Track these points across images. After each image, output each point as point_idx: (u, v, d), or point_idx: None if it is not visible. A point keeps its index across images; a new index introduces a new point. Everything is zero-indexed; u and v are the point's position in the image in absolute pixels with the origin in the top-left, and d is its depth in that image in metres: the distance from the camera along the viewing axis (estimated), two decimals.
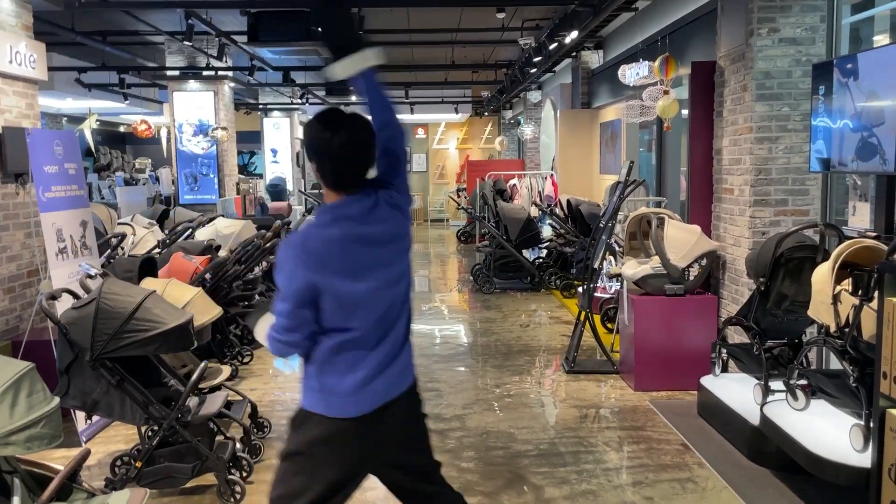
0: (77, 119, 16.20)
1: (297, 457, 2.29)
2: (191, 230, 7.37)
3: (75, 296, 3.78)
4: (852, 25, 5.06)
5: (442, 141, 21.99)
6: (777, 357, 4.28)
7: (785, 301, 4.20)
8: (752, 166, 5.01)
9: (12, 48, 5.11)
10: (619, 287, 6.14)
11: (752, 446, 4.03)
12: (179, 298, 4.28)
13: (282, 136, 17.88)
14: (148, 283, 4.46)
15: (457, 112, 18.94)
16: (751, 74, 4.98)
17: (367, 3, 7.76)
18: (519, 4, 8.37)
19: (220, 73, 11.27)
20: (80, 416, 4.39)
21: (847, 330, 3.33)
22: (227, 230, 7.48)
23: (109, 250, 6.01)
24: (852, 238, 3.63)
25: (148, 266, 4.93)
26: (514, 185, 13.03)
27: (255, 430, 4.39)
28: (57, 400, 2.39)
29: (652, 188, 8.48)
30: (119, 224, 7.18)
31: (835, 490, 3.45)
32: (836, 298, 3.39)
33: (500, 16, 9.00)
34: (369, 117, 2.37)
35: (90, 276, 4.16)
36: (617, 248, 6.56)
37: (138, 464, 3.53)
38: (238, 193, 12.14)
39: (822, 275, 3.53)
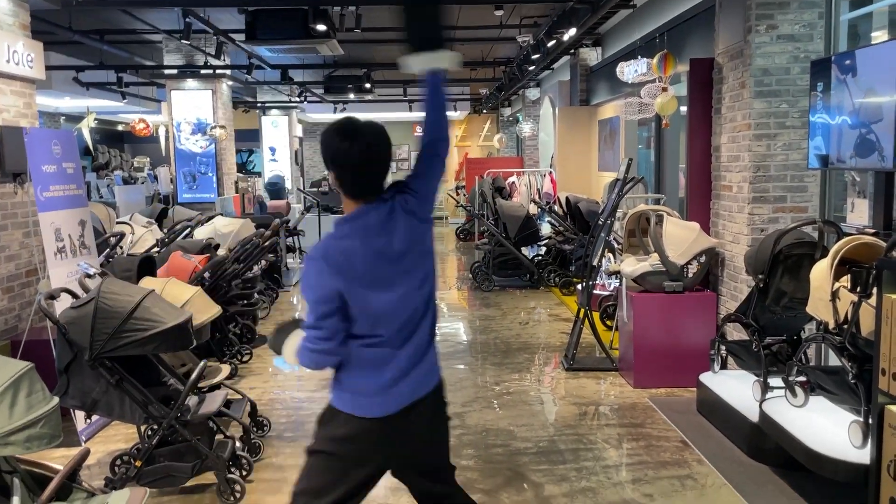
0: (75, 118, 16.18)
1: (325, 455, 2.33)
2: (189, 229, 7.37)
3: (74, 295, 3.78)
4: (850, 22, 5.05)
5: None
6: (776, 354, 4.29)
7: (784, 298, 4.20)
8: (751, 163, 5.01)
9: (10, 47, 5.11)
10: (618, 284, 6.14)
11: (751, 443, 4.04)
12: (178, 297, 4.28)
13: (280, 135, 17.87)
14: (147, 283, 4.46)
15: (455, 110, 18.94)
16: (749, 71, 4.98)
17: (364, 1, 7.74)
18: (517, 2, 8.35)
19: (218, 71, 11.26)
20: (79, 415, 4.39)
21: (846, 326, 3.33)
22: (225, 229, 7.48)
23: (108, 249, 6.01)
24: (851, 235, 3.64)
25: (147, 265, 4.93)
26: (513, 182, 13.04)
27: (254, 429, 4.39)
28: (56, 400, 2.39)
29: (651, 185, 8.48)
30: (118, 223, 7.17)
31: (834, 486, 3.46)
32: (834, 295, 3.39)
33: (499, 13, 8.99)
34: (425, 119, 2.39)
35: (89, 276, 4.16)
36: (616, 246, 6.56)
37: (138, 463, 3.53)
38: (237, 192, 12.14)
39: (820, 271, 3.53)
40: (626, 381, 5.50)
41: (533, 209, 10.46)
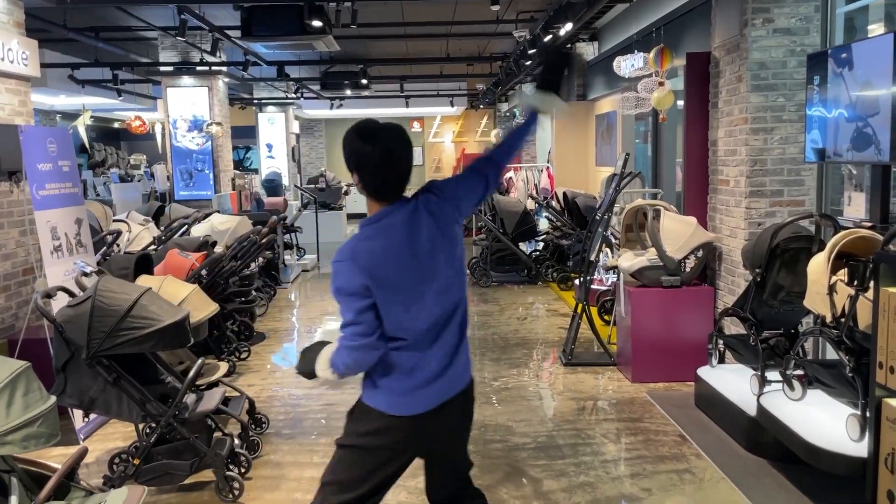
0: (71, 116, 16.14)
1: (355, 449, 2.36)
2: (186, 226, 7.36)
3: (71, 294, 3.77)
4: (847, 15, 5.05)
5: (438, 134, 21.96)
6: (773, 347, 4.29)
7: (781, 292, 4.21)
8: (748, 157, 5.01)
9: (4, 45, 5.08)
10: (615, 279, 6.15)
11: (749, 437, 4.05)
12: (175, 295, 4.27)
13: (277, 131, 17.83)
14: (144, 281, 4.45)
15: (452, 105, 18.90)
16: (746, 65, 4.97)
17: None
18: None
19: (213, 68, 11.23)
20: (77, 414, 4.39)
21: (843, 320, 3.34)
22: (222, 226, 7.48)
23: (105, 247, 6.00)
24: (848, 228, 3.64)
25: (143, 263, 4.91)
26: (511, 178, 13.02)
27: (253, 427, 4.39)
28: (53, 399, 2.38)
29: (648, 180, 8.48)
30: (114, 221, 7.16)
31: (831, 479, 3.47)
32: (831, 289, 3.40)
33: (495, 8, 8.96)
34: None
35: (85, 274, 4.15)
36: (613, 241, 6.56)
37: (136, 461, 3.53)
38: (233, 189, 12.11)
39: (817, 265, 3.54)
40: (625, 376, 5.51)
41: (530, 204, 10.46)
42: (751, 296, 4.35)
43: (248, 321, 6.61)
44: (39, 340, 4.58)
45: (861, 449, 3.16)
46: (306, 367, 2.42)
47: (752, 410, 3.98)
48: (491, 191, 2.52)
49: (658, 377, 5.32)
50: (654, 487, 3.71)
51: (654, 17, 7.56)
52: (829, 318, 3.44)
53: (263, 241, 6.87)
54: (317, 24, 7.04)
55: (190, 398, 3.67)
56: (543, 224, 10.67)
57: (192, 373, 3.58)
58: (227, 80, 12.28)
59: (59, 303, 3.82)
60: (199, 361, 3.68)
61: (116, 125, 20.01)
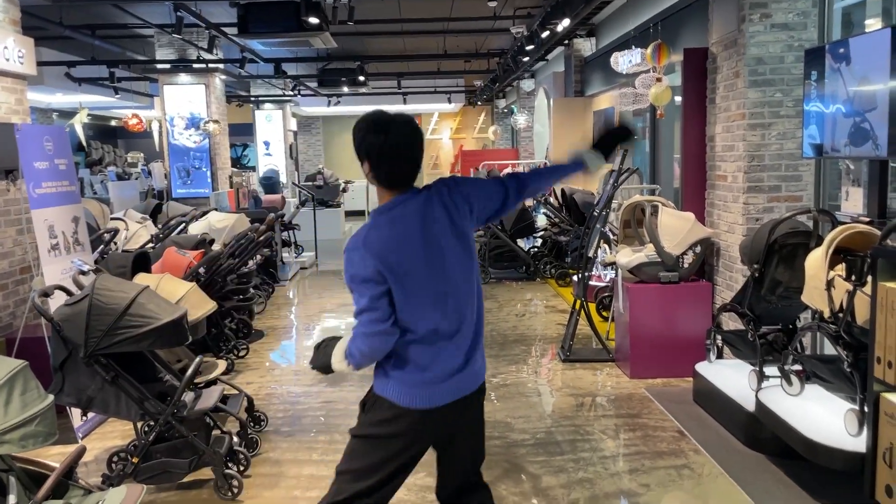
0: (67, 114, 16.10)
1: (368, 440, 2.38)
2: (184, 224, 7.35)
3: (68, 292, 3.76)
4: (844, 10, 5.05)
5: (435, 131, 21.94)
6: (772, 343, 4.30)
7: (779, 287, 4.21)
8: (746, 153, 5.01)
9: (0, 43, 5.07)
10: (613, 275, 6.15)
11: (747, 432, 4.05)
12: (173, 293, 4.26)
13: (274, 129, 17.81)
14: (141, 279, 4.44)
15: (450, 102, 18.88)
16: (743, 60, 4.97)
17: None
18: None
19: (210, 65, 11.21)
20: (75, 412, 4.38)
21: (841, 315, 3.34)
22: (220, 224, 7.46)
23: (102, 246, 5.99)
24: (845, 223, 3.64)
25: (141, 261, 4.91)
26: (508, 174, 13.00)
27: (251, 424, 4.38)
28: (51, 398, 2.38)
29: (645, 176, 8.48)
30: (111, 219, 7.14)
31: (830, 474, 3.48)
32: (829, 284, 3.40)
33: (492, 4, 8.96)
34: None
35: (83, 273, 4.14)
36: (611, 237, 6.56)
37: (135, 459, 3.52)
38: (231, 187, 12.10)
39: (815, 260, 3.54)
40: (623, 372, 5.51)
41: (528, 201, 10.45)
42: (749, 291, 4.35)
43: (247, 319, 6.60)
44: (37, 339, 4.57)
45: (859, 444, 3.17)
46: (322, 361, 2.43)
47: (750, 406, 3.98)
48: (509, 207, 2.50)
49: (656, 373, 5.32)
50: (652, 483, 3.71)
51: (652, 12, 7.55)
52: (827, 314, 3.44)
53: (261, 238, 6.86)
54: (314, 20, 7.03)
55: (188, 396, 3.67)
56: (541, 220, 10.67)
57: (190, 371, 3.57)
58: (224, 77, 12.26)
59: (57, 301, 3.81)
60: (198, 359, 3.68)
61: (113, 123, 19.99)
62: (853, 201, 4.32)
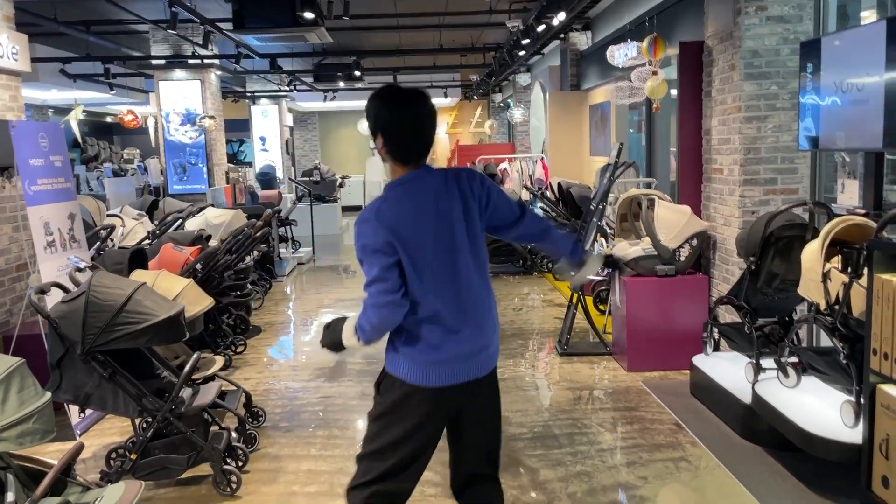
0: (63, 110, 16.06)
1: (383, 419, 2.40)
2: (180, 220, 7.34)
3: (65, 289, 3.76)
4: (839, 2, 5.04)
5: None
6: (768, 335, 4.31)
7: (775, 280, 4.22)
8: (742, 146, 5.01)
9: None
10: (610, 269, 6.15)
11: (744, 424, 4.06)
12: (170, 290, 4.26)
13: (270, 124, 17.77)
14: (138, 275, 4.44)
15: (446, 96, 18.85)
16: (739, 53, 4.97)
17: None
18: None
19: (205, 61, 11.17)
20: (73, 409, 4.38)
21: (837, 307, 3.35)
22: (217, 220, 7.46)
23: (98, 242, 5.98)
24: (841, 216, 3.65)
25: (138, 258, 4.90)
26: (505, 168, 13.01)
27: (249, 420, 4.39)
28: (48, 395, 2.38)
29: (642, 169, 8.48)
30: (108, 216, 7.13)
31: (826, 466, 3.49)
32: (825, 276, 3.41)
33: None
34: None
35: (79, 269, 4.13)
36: (608, 230, 6.57)
37: (133, 456, 3.53)
38: (228, 182, 12.08)
39: (811, 253, 3.55)
40: (620, 365, 5.52)
41: (525, 195, 10.45)
42: (745, 284, 4.36)
43: (244, 315, 6.60)
44: (34, 336, 4.57)
45: (855, 435, 3.18)
46: (332, 338, 2.45)
47: (747, 398, 4.00)
48: (514, 230, 2.53)
49: (653, 366, 5.33)
50: (650, 475, 3.72)
51: (647, 6, 7.53)
52: (823, 306, 3.45)
53: (258, 234, 6.85)
54: (309, 15, 7.00)
55: (186, 392, 3.67)
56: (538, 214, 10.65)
57: (187, 367, 3.58)
58: (219, 72, 12.22)
59: (54, 298, 3.80)
60: (195, 356, 3.68)
61: (109, 119, 19.93)
62: (849, 193, 4.33)
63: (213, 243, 6.38)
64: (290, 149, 19.04)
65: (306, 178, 15.02)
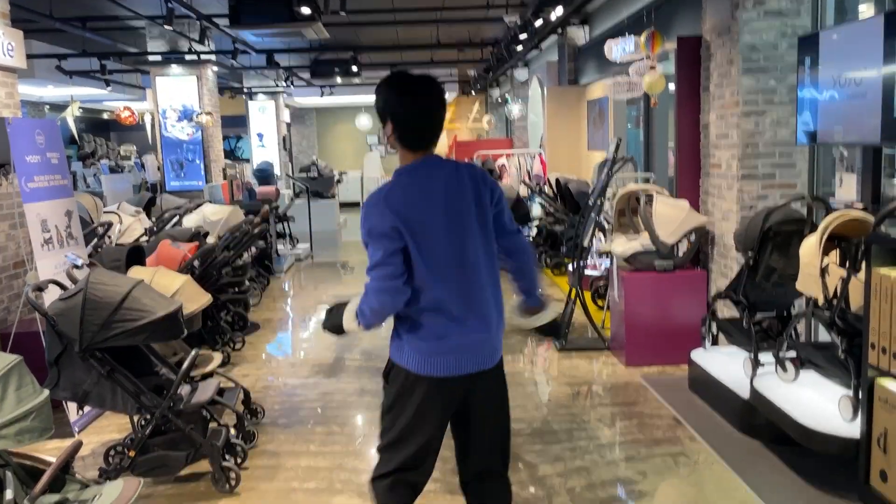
0: (59, 107, 16.02)
1: (395, 409, 2.42)
2: (178, 217, 7.33)
3: (62, 287, 3.75)
4: None
5: None
6: (766, 330, 4.32)
7: (773, 274, 4.22)
8: (740, 140, 5.01)
9: None
10: (608, 264, 6.15)
11: (742, 419, 4.07)
12: (168, 287, 4.26)
13: (268, 120, 17.75)
14: (135, 272, 4.43)
15: (443, 92, 18.79)
16: (737, 48, 4.96)
17: None
18: None
19: (202, 57, 11.15)
20: (72, 406, 4.38)
21: (835, 302, 3.35)
22: (214, 216, 7.45)
23: (96, 239, 5.96)
24: (839, 210, 3.65)
25: (135, 255, 4.90)
26: (503, 164, 13.00)
27: (248, 417, 4.38)
28: (46, 392, 2.37)
29: (640, 164, 8.48)
30: (105, 213, 7.12)
31: (825, 460, 3.50)
32: (823, 271, 3.41)
33: None
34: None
35: (77, 267, 4.13)
36: (606, 226, 6.56)
37: (132, 453, 3.52)
38: (225, 179, 12.06)
39: (809, 247, 3.55)
40: (619, 361, 5.53)
41: (523, 191, 10.44)
42: (743, 279, 4.36)
43: (242, 311, 6.59)
44: (32, 334, 4.56)
45: (854, 429, 3.18)
46: (333, 322, 2.47)
47: (745, 393, 4.00)
48: (506, 241, 2.54)
49: (652, 361, 5.34)
50: (648, 470, 3.73)
51: (645, 0, 7.52)
52: (821, 300, 3.45)
53: (256, 230, 6.85)
54: (306, 11, 6.99)
55: (185, 389, 3.66)
56: (536, 210, 10.66)
57: (186, 364, 3.57)
58: (216, 68, 12.19)
59: (51, 296, 3.79)
60: (193, 353, 3.67)
61: (105, 116, 19.89)
62: (847, 188, 4.33)
63: (210, 240, 6.38)
64: (288, 145, 19.02)
65: (304, 175, 15.01)
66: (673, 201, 5.49)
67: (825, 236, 3.41)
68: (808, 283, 3.56)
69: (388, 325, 2.48)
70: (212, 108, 11.69)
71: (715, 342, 4.82)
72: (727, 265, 5.21)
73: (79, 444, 2.52)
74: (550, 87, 11.66)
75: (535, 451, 4.00)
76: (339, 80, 14.61)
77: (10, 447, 2.29)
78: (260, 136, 17.77)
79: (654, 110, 7.94)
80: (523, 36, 9.64)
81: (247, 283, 6.76)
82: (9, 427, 2.20)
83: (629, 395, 4.82)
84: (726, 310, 5.04)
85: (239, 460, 3.82)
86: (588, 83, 10.54)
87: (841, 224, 3.42)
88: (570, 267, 7.00)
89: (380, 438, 2.48)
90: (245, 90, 17.29)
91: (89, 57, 11.36)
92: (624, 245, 5.49)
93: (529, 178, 11.64)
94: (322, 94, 17.79)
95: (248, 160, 17.83)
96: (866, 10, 4.81)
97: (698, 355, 4.77)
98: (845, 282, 3.29)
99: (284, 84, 15.90)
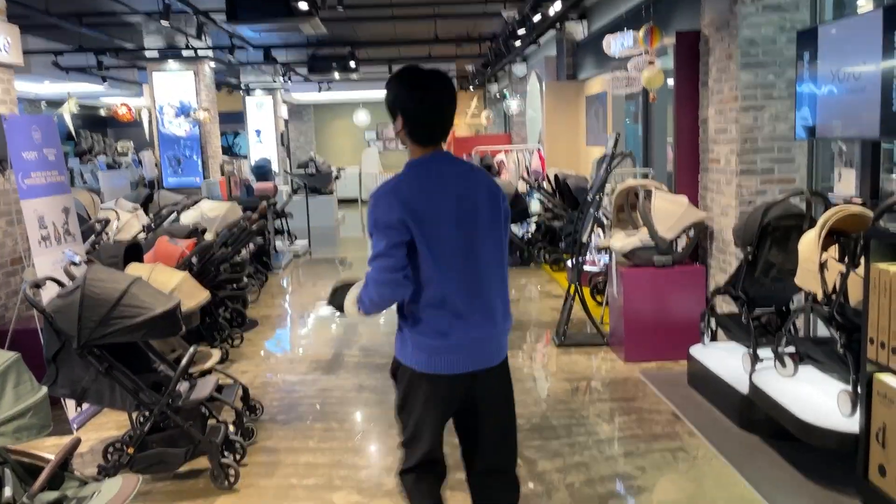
0: (56, 103, 15.97)
1: (406, 407, 2.45)
2: (176, 213, 7.31)
3: (60, 283, 3.74)
4: None
5: None
6: (765, 325, 4.32)
7: (772, 269, 4.22)
8: (738, 135, 5.00)
9: None
10: (607, 260, 6.15)
11: (741, 414, 4.07)
12: (166, 283, 4.25)
13: (265, 116, 17.70)
14: (133, 269, 4.42)
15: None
16: (735, 43, 4.95)
17: None
18: None
19: (199, 52, 11.11)
20: (70, 403, 4.37)
21: (834, 297, 3.35)
22: (212, 213, 7.43)
23: (93, 236, 5.95)
24: (838, 205, 3.64)
25: (133, 251, 4.88)
26: (501, 160, 12.98)
27: (247, 413, 4.38)
28: (44, 389, 2.37)
29: (639, 160, 8.47)
30: (102, 209, 7.10)
31: (823, 455, 3.50)
32: (822, 266, 3.41)
33: None
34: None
35: (74, 263, 4.12)
36: (605, 221, 6.56)
37: (130, 450, 3.52)
38: (223, 175, 12.03)
39: (808, 242, 3.54)
40: (617, 356, 5.53)
41: (522, 186, 10.43)
42: (742, 274, 4.36)
43: (240, 308, 6.59)
44: (30, 331, 4.55)
45: (852, 424, 3.19)
46: (338, 301, 2.50)
47: (744, 388, 4.00)
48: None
49: (651, 356, 5.34)
50: (647, 466, 3.73)
51: None
52: (820, 295, 3.45)
53: (254, 227, 6.83)
54: (303, 6, 6.96)
55: (183, 386, 3.66)
56: (535, 206, 10.65)
57: (184, 361, 3.56)
58: (213, 64, 12.16)
59: (49, 293, 3.79)
60: (192, 349, 3.67)
61: (102, 112, 19.85)
62: (846, 183, 4.33)
63: (208, 236, 6.37)
64: (286, 141, 18.98)
65: (302, 171, 14.98)
66: (672, 197, 5.48)
67: (824, 231, 3.41)
68: (807, 279, 3.56)
69: (388, 321, 2.49)
70: (209, 104, 11.66)
71: (714, 337, 4.82)
72: (726, 260, 5.21)
73: (77, 441, 2.52)
74: (549, 83, 11.64)
75: (534, 446, 4.00)
76: (336, 75, 14.57)
77: (9, 444, 2.29)
78: (258, 132, 17.73)
79: (652, 105, 7.93)
80: (521, 31, 9.61)
81: (245, 279, 6.74)
82: (7, 424, 2.20)
83: (628, 391, 4.83)
84: (725, 305, 5.04)
85: (238, 457, 3.82)
86: (586, 78, 10.52)
87: (840, 219, 3.42)
88: (568, 263, 7.00)
89: (399, 435, 2.52)
90: (242, 86, 17.24)
91: (86, 53, 11.32)
92: (623, 241, 5.48)
93: (528, 174, 11.62)
94: (320, 90, 17.75)
95: (245, 156, 17.78)
96: (865, 5, 4.80)
97: (697, 351, 4.77)
98: (844, 277, 3.29)
99: (282, 80, 15.86)
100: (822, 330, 3.77)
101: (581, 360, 5.55)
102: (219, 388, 4.04)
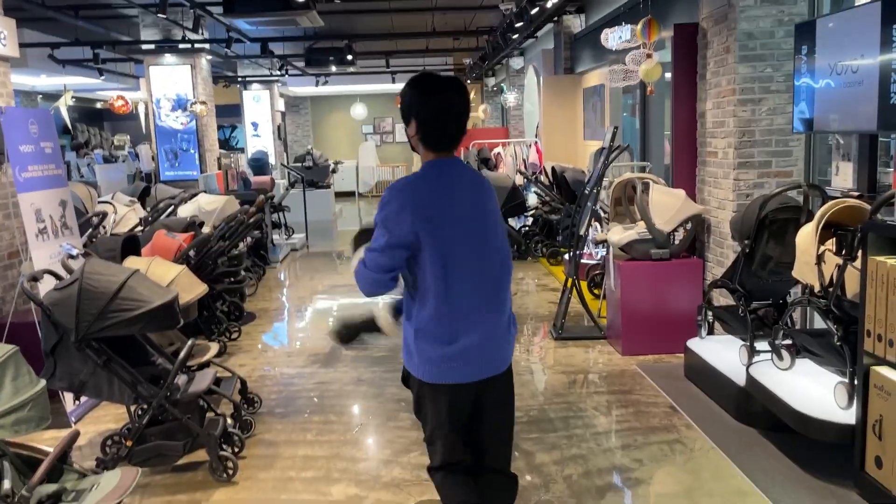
0: (52, 96, 15.90)
1: (422, 412, 2.51)
2: (173, 207, 7.30)
3: (57, 277, 3.74)
4: None
5: None
6: (762, 318, 4.33)
7: (769, 262, 4.23)
8: (736, 129, 5.00)
9: None
10: (605, 253, 6.16)
11: (738, 407, 4.09)
12: (164, 276, 4.25)
13: (262, 109, 17.66)
14: (131, 262, 4.42)
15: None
16: (734, 36, 4.95)
17: None
18: None
19: (196, 45, 11.06)
20: (68, 396, 4.37)
21: (831, 289, 3.36)
22: (209, 206, 7.42)
23: (91, 229, 5.94)
24: (835, 198, 3.65)
25: (130, 244, 4.88)
26: (499, 153, 12.97)
27: (245, 406, 4.39)
28: (43, 382, 2.37)
29: (636, 153, 8.47)
30: (99, 202, 7.09)
31: (820, 447, 3.52)
32: (820, 258, 3.42)
33: None
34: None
35: (72, 257, 4.11)
36: (602, 215, 6.56)
37: (129, 443, 3.52)
38: (220, 168, 12.01)
39: (806, 235, 3.55)
40: (615, 349, 5.54)
41: (519, 180, 10.43)
42: (739, 267, 4.37)
43: (238, 301, 6.59)
44: (27, 324, 4.54)
45: (849, 416, 3.20)
46: (362, 242, 2.51)
47: (741, 381, 4.02)
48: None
49: (648, 349, 5.35)
50: (645, 458, 3.74)
51: None
52: (817, 288, 3.46)
53: (251, 220, 6.83)
54: None
55: (181, 379, 3.66)
56: (532, 199, 10.65)
57: (182, 354, 3.56)
58: (210, 57, 12.11)
59: (46, 286, 3.78)
60: (190, 342, 3.67)
61: (99, 105, 19.75)
62: (843, 176, 4.34)
63: (205, 230, 6.36)
64: (283, 134, 18.94)
65: (299, 164, 14.95)
66: (669, 190, 5.49)
67: (821, 224, 3.42)
68: (804, 271, 3.57)
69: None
70: (206, 98, 11.62)
71: (711, 330, 4.83)
72: (723, 253, 5.22)
73: (76, 434, 2.52)
74: (546, 76, 11.63)
75: (531, 439, 4.02)
76: (333, 68, 14.52)
77: (7, 437, 2.29)
78: (255, 125, 17.69)
79: (650, 98, 7.92)
80: (519, 24, 9.58)
81: (242, 273, 6.74)
82: (6, 417, 2.20)
83: (625, 384, 4.84)
84: (722, 298, 5.05)
85: (236, 450, 3.83)
86: (584, 71, 10.51)
87: (837, 212, 3.42)
88: (566, 256, 7.01)
89: (424, 433, 2.57)
90: (239, 79, 17.18)
91: (82, 46, 11.26)
92: (620, 234, 5.49)
93: (525, 167, 11.62)
94: (317, 84, 17.70)
95: (242, 150, 17.74)
96: None
97: (694, 343, 4.78)
98: (841, 270, 3.30)
99: (279, 73, 15.80)
100: (819, 323, 3.78)
101: (578, 353, 5.56)
102: (217, 381, 4.04)
